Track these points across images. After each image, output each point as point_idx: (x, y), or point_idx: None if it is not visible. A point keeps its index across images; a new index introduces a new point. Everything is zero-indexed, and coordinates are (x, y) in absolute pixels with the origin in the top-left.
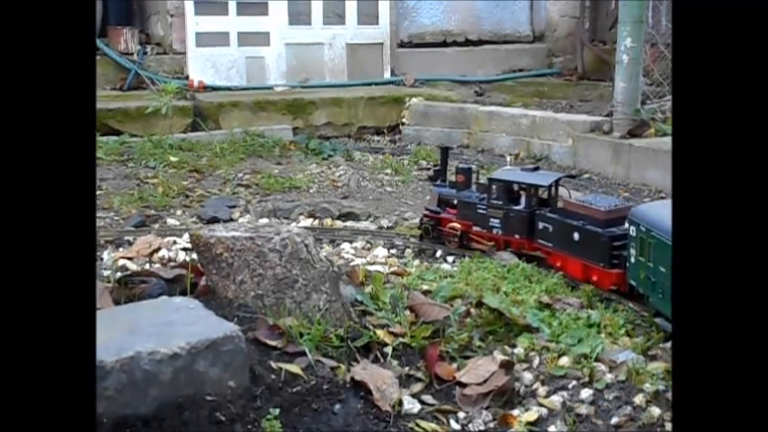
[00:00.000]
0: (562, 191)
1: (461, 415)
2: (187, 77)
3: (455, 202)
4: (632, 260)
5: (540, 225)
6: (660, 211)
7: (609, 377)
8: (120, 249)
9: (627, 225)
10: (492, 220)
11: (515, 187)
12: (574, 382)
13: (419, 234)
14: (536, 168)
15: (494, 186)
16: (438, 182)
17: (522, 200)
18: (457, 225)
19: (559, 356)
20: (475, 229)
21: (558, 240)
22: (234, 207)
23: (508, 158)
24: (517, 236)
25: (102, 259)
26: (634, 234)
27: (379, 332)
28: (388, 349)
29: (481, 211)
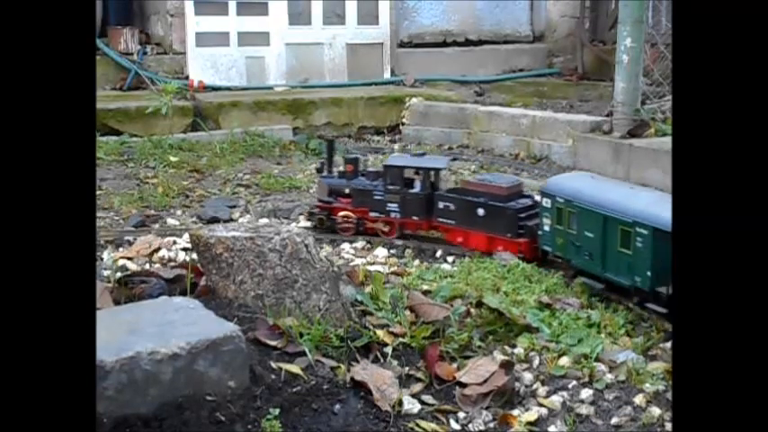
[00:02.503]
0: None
1: (461, 415)
2: (187, 77)
3: (347, 191)
4: (546, 228)
5: (441, 205)
6: (576, 183)
7: (609, 377)
8: (120, 249)
9: (538, 198)
10: (390, 204)
11: (410, 172)
12: (574, 382)
13: (312, 225)
14: (423, 154)
15: (390, 172)
16: (325, 173)
17: (418, 183)
18: (350, 213)
19: (559, 356)
20: (372, 214)
21: (461, 217)
22: (234, 207)
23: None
24: (415, 217)
25: (102, 259)
26: (549, 205)
27: (379, 332)
28: (388, 349)
29: (378, 197)
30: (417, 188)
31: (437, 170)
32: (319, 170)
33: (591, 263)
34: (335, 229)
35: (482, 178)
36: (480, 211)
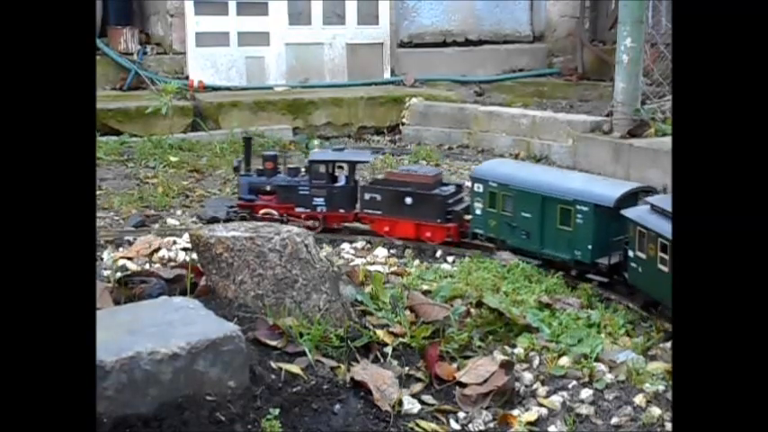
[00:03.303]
0: None
1: (461, 415)
2: (187, 77)
3: (268, 188)
4: (478, 212)
5: (367, 196)
6: (508, 168)
7: (609, 377)
8: (120, 249)
9: (469, 184)
10: (315, 199)
11: (334, 166)
12: (574, 382)
13: None
14: (342, 148)
15: (315, 167)
16: (243, 172)
17: (343, 177)
18: (274, 210)
19: (559, 356)
20: (298, 210)
21: (388, 207)
22: (232, 207)
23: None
24: (341, 210)
25: (102, 259)
26: (481, 190)
27: (379, 332)
28: (388, 349)
29: (304, 192)
30: (342, 181)
31: (363, 163)
32: (236, 169)
33: (528, 241)
34: None
35: (406, 168)
36: (408, 200)
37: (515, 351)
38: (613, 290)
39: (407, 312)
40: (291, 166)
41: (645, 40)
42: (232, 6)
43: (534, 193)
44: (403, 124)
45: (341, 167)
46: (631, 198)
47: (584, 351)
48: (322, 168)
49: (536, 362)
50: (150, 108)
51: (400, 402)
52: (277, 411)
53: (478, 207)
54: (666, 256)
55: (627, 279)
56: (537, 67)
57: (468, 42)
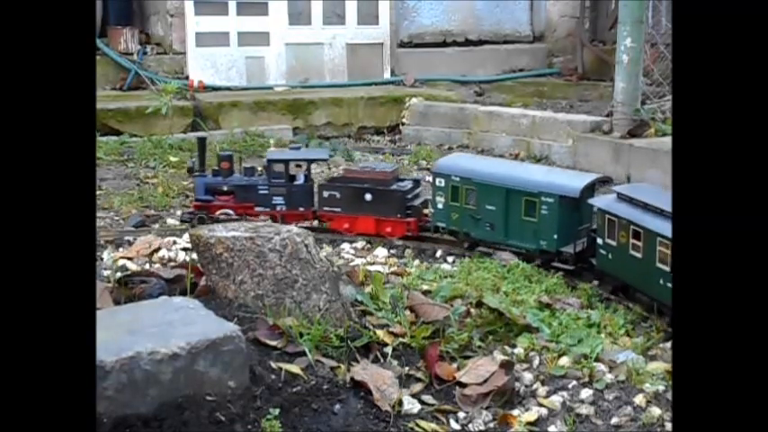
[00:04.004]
0: None
1: (461, 415)
2: (187, 77)
3: (225, 188)
4: (440, 206)
5: (326, 194)
6: (469, 163)
7: (609, 377)
8: (120, 249)
9: (430, 179)
10: (275, 198)
11: (292, 165)
12: (574, 383)
13: (191, 225)
14: (299, 147)
15: (274, 166)
16: (197, 172)
17: (301, 175)
18: (231, 210)
19: (559, 356)
20: (258, 209)
21: (348, 204)
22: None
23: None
24: (301, 208)
25: (102, 259)
26: (443, 184)
27: (379, 332)
28: (388, 349)
29: (263, 191)
30: (301, 180)
31: (321, 161)
32: (191, 170)
33: (492, 233)
34: None
35: (364, 165)
36: (368, 197)
37: (515, 351)
38: (581, 277)
39: (407, 312)
40: (249, 165)
41: (645, 41)
42: (232, 6)
43: (499, 186)
44: (403, 124)
45: (299, 166)
46: (590, 188)
47: (585, 351)
48: (280, 167)
49: (536, 362)
50: (150, 108)
51: (400, 402)
52: (277, 411)
53: (440, 201)
54: (639, 243)
55: (594, 265)
56: (537, 67)
57: (468, 42)
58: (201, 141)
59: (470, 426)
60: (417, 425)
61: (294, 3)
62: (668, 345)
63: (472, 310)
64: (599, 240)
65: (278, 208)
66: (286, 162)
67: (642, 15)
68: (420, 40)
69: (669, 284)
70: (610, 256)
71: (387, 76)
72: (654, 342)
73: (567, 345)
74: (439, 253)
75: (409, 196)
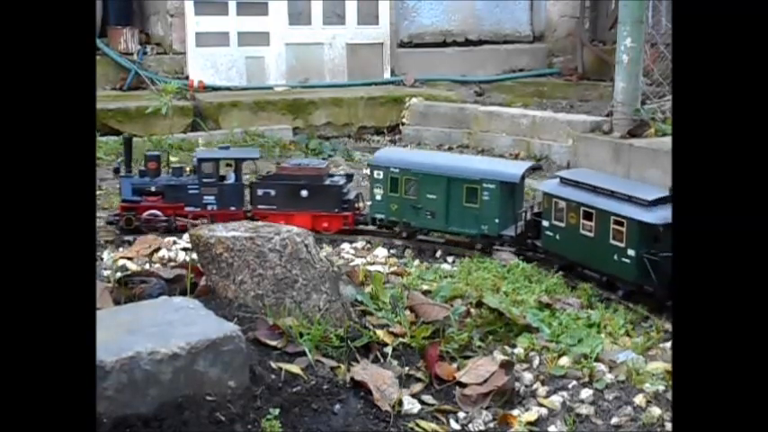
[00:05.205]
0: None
1: (461, 415)
2: (187, 77)
3: (153, 188)
4: (378, 198)
5: (260, 192)
6: (406, 155)
7: (609, 377)
8: (120, 249)
9: (368, 172)
10: (206, 197)
11: (222, 164)
12: (574, 382)
13: (119, 227)
14: (227, 147)
15: (204, 165)
16: (123, 173)
17: (232, 174)
18: (160, 210)
19: (559, 356)
20: (188, 209)
21: (283, 201)
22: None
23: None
24: (232, 207)
25: (102, 259)
26: (381, 176)
27: (379, 332)
28: (388, 349)
29: (193, 191)
30: (232, 179)
31: (252, 160)
32: (116, 171)
33: (433, 221)
34: (142, 228)
35: (297, 162)
36: (304, 193)
37: (515, 351)
38: (526, 257)
39: (407, 312)
40: (177, 165)
41: (645, 40)
42: (232, 6)
43: (440, 175)
44: (403, 124)
45: (229, 165)
46: (524, 176)
47: (584, 351)
48: (210, 167)
49: (536, 362)
50: (150, 108)
51: (400, 402)
52: (277, 411)
53: (378, 193)
54: (591, 223)
55: (537, 247)
56: (537, 67)
57: (468, 42)
58: (128, 142)
59: (470, 426)
60: (417, 425)
61: (294, 3)
62: (668, 345)
63: (472, 310)
64: (545, 222)
65: (209, 207)
66: (216, 161)
67: (642, 15)
68: (420, 40)
69: (623, 259)
70: (557, 236)
71: (387, 76)
72: (654, 342)
73: (566, 345)
74: (439, 253)
75: (344, 190)
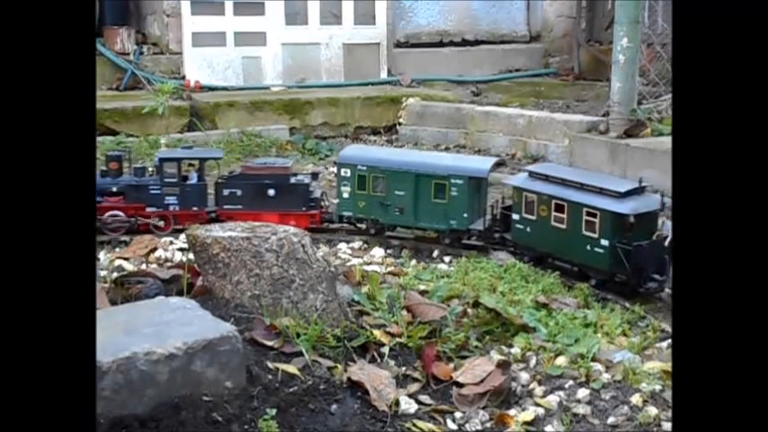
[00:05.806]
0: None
1: (458, 415)
2: (183, 77)
3: (114, 189)
4: (345, 196)
5: (226, 192)
6: (373, 153)
7: (605, 377)
8: (117, 249)
9: (335, 170)
10: (168, 198)
11: (185, 164)
12: (570, 382)
13: None
14: (191, 147)
15: (166, 166)
16: None
17: (194, 174)
18: (121, 211)
19: (556, 356)
20: (149, 210)
21: (250, 201)
22: None
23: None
24: (195, 208)
25: (98, 259)
26: (348, 174)
27: (376, 332)
28: (385, 349)
29: (155, 191)
30: (194, 179)
31: (215, 160)
32: None
33: (401, 217)
34: (103, 229)
35: (262, 162)
36: (271, 192)
37: (512, 351)
38: (491, 251)
39: (404, 312)
40: (139, 165)
41: (641, 40)
42: (228, 6)
43: (408, 171)
44: (400, 124)
45: (192, 165)
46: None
47: (581, 351)
48: (173, 167)
49: (533, 362)
50: (147, 108)
51: (397, 402)
52: (274, 411)
53: (346, 191)
54: (562, 215)
55: (506, 240)
56: (533, 67)
57: (464, 42)
58: None
59: (467, 426)
60: (414, 425)
61: (291, 3)
62: (664, 344)
63: (469, 310)
64: (515, 216)
65: (171, 208)
66: (178, 161)
67: (638, 15)
68: (417, 40)
69: (596, 249)
70: (528, 229)
71: (383, 76)
72: (650, 342)
73: (563, 344)
74: (436, 253)
75: (310, 189)
